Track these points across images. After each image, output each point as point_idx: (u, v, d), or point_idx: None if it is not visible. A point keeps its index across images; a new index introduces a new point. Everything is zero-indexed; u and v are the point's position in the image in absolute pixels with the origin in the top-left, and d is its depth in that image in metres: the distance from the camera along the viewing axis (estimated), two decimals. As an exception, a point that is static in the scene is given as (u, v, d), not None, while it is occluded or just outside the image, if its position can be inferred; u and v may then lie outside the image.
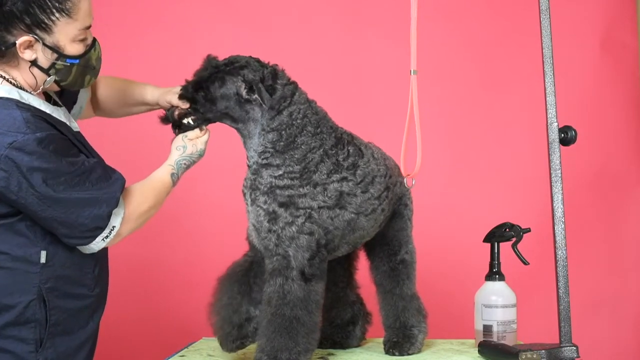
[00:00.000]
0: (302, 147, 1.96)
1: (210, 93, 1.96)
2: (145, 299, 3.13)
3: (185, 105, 2.01)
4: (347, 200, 1.99)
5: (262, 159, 1.97)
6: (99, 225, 1.90)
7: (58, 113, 1.99)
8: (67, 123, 2.00)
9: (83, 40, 1.94)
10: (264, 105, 1.94)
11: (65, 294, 1.94)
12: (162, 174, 2.02)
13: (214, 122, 2.02)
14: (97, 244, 1.92)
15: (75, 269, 1.96)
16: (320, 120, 2.00)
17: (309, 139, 1.97)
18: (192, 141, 2.04)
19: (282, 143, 1.95)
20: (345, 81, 3.34)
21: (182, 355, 2.21)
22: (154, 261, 3.20)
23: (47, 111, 1.94)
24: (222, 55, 2.06)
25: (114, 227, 1.92)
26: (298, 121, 1.96)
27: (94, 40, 1.97)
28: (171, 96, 2.12)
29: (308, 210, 1.94)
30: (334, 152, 1.99)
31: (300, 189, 1.94)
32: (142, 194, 1.98)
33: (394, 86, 3.07)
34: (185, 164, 2.04)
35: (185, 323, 3.14)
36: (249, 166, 2.01)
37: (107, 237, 1.92)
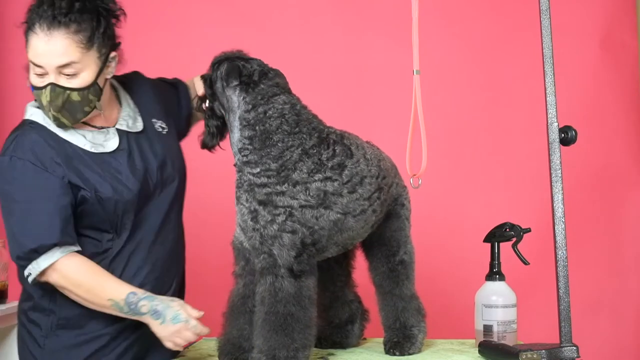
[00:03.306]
0: (279, 144, 1.96)
1: (215, 74, 2.05)
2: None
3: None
4: (332, 200, 1.98)
5: (243, 156, 1.98)
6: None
7: (76, 133, 2.08)
8: (83, 146, 2.07)
9: None
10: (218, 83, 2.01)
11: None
12: (115, 296, 2.02)
13: (210, 105, 2.07)
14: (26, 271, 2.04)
15: None
16: (300, 122, 2.00)
17: (286, 137, 1.97)
18: (181, 312, 2.02)
19: (257, 139, 1.96)
20: (348, 81, 3.34)
21: (182, 355, 2.21)
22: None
23: (58, 132, 2.06)
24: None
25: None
26: (272, 120, 1.97)
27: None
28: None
29: (288, 209, 1.93)
30: (315, 151, 1.98)
31: (278, 187, 1.94)
32: (83, 280, 2.03)
33: (396, 86, 3.07)
34: (146, 307, 2.02)
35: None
36: (234, 165, 2.02)
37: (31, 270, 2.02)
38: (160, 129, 2.22)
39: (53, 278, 2.02)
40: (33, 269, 2.01)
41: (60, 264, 2.00)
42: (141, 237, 2.12)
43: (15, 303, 2.76)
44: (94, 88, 2.04)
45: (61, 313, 2.09)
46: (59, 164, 2.02)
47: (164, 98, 2.29)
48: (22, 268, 2.03)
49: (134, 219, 2.10)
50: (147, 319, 2.02)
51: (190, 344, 2.26)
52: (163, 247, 2.17)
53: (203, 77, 2.09)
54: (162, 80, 2.35)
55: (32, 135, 2.03)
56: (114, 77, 2.16)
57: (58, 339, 2.10)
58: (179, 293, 2.24)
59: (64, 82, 2.00)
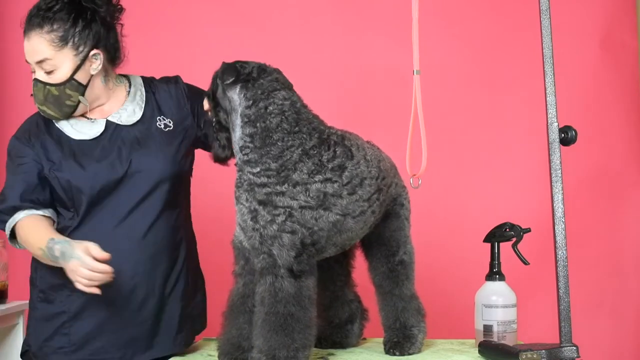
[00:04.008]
0: (279, 143, 1.95)
1: (214, 83, 2.05)
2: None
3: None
4: (332, 202, 1.98)
5: (244, 155, 1.98)
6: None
7: (66, 123, 2.21)
8: (68, 133, 2.20)
9: None
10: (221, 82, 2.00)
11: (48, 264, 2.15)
12: (42, 244, 2.10)
13: (216, 119, 2.06)
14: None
15: None
16: (300, 121, 1.99)
17: (285, 135, 1.96)
18: (75, 249, 2.03)
19: (257, 137, 1.96)
20: (348, 81, 3.34)
21: (183, 355, 2.21)
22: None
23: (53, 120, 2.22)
24: (220, 55, 2.09)
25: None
26: (272, 116, 1.96)
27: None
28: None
29: (288, 209, 1.93)
30: (315, 152, 1.98)
31: (277, 187, 1.94)
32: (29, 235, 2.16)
33: (396, 86, 3.07)
34: (58, 250, 2.06)
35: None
36: (235, 164, 2.02)
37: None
38: (163, 126, 2.26)
39: (18, 239, 2.19)
40: (7, 229, 2.18)
41: (18, 225, 2.16)
42: (101, 221, 2.17)
43: (16, 303, 2.79)
44: (71, 84, 2.15)
45: (40, 286, 2.22)
46: (38, 140, 2.19)
47: (195, 101, 2.31)
48: (4, 231, 2.21)
49: (94, 202, 2.16)
50: (62, 263, 2.07)
51: None
52: (129, 236, 2.17)
53: (206, 93, 2.08)
54: None
55: (33, 120, 2.24)
56: (143, 76, 2.32)
57: (38, 311, 2.22)
58: (160, 288, 2.22)
59: (44, 77, 2.15)
